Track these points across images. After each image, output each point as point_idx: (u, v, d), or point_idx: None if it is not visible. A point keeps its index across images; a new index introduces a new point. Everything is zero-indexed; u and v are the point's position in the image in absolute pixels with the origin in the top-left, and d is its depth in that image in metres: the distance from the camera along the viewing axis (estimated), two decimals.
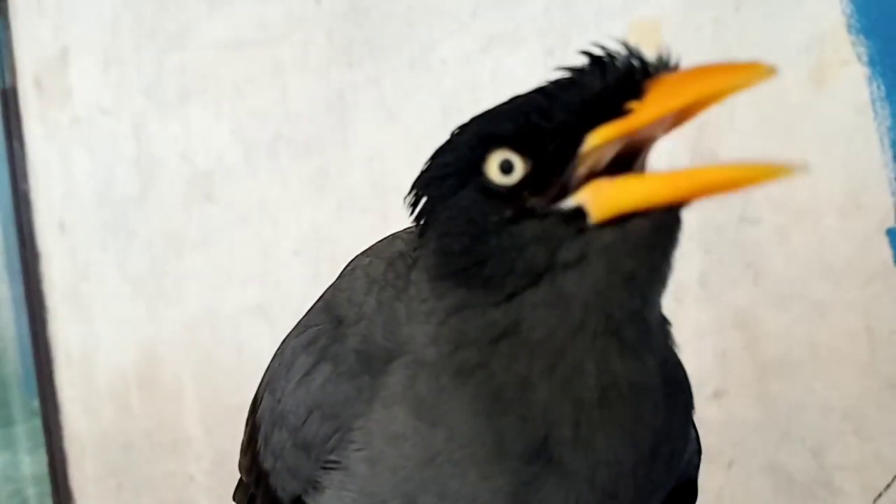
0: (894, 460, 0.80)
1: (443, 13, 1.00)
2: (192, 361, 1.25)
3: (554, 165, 0.36)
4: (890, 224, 0.80)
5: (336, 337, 0.43)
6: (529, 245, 0.35)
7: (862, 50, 0.80)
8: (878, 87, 0.80)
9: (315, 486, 0.41)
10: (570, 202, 0.35)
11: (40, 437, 1.59)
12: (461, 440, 0.37)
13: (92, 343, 1.40)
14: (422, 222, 0.40)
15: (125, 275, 1.33)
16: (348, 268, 0.48)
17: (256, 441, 0.48)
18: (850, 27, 0.80)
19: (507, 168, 0.36)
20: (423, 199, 0.40)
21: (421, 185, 0.40)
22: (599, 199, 0.34)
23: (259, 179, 1.17)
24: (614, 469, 0.38)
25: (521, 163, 0.36)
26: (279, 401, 0.45)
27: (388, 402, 0.39)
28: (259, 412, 0.48)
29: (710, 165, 0.33)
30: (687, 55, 0.87)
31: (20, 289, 1.54)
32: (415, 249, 0.41)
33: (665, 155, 0.90)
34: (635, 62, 0.35)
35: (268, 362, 0.50)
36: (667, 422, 0.41)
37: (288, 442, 0.43)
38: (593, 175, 0.35)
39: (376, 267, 0.44)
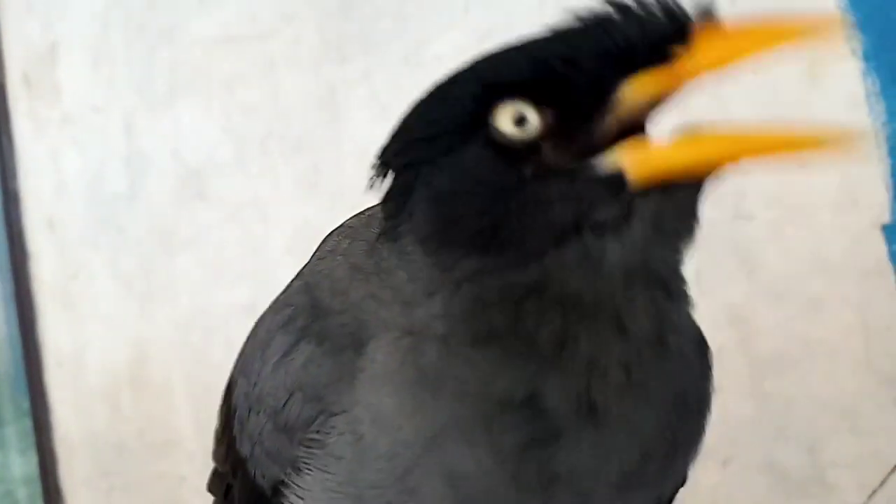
0: (889, 457, 0.80)
1: (436, 7, 1.00)
2: (184, 360, 1.24)
3: (578, 118, 0.32)
4: (885, 220, 0.80)
5: (316, 316, 0.40)
6: (556, 205, 0.32)
7: (856, 44, 0.80)
8: (873, 81, 0.80)
9: (296, 467, 0.39)
10: (604, 163, 0.32)
11: (31, 438, 1.57)
12: (478, 409, 0.35)
13: (82, 343, 1.39)
14: (400, 190, 0.36)
15: (115, 273, 1.32)
16: (327, 247, 0.45)
17: (231, 428, 0.46)
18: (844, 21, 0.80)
19: (520, 121, 0.33)
20: (402, 164, 0.36)
21: (399, 148, 0.36)
22: (642, 163, 0.32)
23: (250, 176, 1.16)
24: (653, 423, 0.36)
25: (537, 115, 0.33)
26: (255, 384, 0.42)
27: (376, 383, 0.37)
28: (233, 398, 0.46)
29: (762, 128, 0.31)
30: None
31: (9, 288, 1.53)
32: (387, 221, 0.37)
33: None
34: (675, 5, 0.32)
35: None
36: (704, 376, 0.40)
37: (267, 425, 0.41)
38: (623, 128, 0.32)
39: (357, 250, 0.41)
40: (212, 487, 0.56)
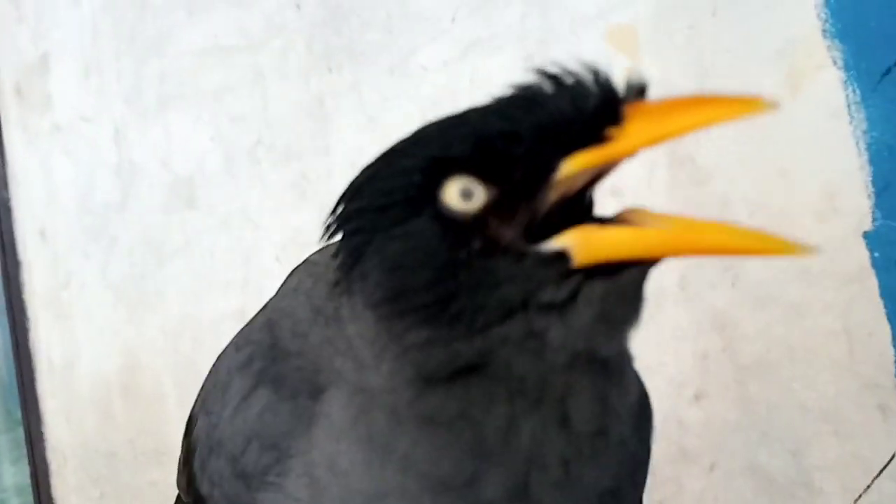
0: (873, 461, 0.80)
1: (422, 20, 1.00)
2: (174, 369, 1.24)
3: (521, 192, 0.33)
4: (866, 227, 0.80)
5: (274, 357, 0.41)
6: (504, 283, 0.33)
7: (837, 54, 0.80)
8: (854, 91, 0.81)
9: None
10: (552, 245, 0.33)
11: (23, 448, 1.57)
12: (421, 483, 0.36)
13: (74, 351, 1.39)
14: (352, 251, 0.36)
15: (107, 282, 1.32)
16: (291, 284, 0.45)
17: (192, 464, 0.46)
18: (824, 31, 0.81)
19: (467, 195, 0.34)
20: (355, 230, 0.36)
21: (352, 215, 0.36)
22: (588, 247, 0.33)
23: (240, 185, 1.16)
24: (586, 500, 0.38)
25: (483, 189, 0.34)
26: (215, 426, 0.43)
27: (331, 434, 0.37)
28: (194, 434, 0.46)
29: (708, 224, 0.32)
30: (662, 60, 0.87)
31: (1, 297, 1.53)
32: (338, 283, 0.38)
33: (642, 160, 0.89)
34: (609, 85, 0.33)
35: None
36: (643, 444, 0.42)
37: (226, 470, 0.42)
38: (565, 200, 0.34)
39: (319, 292, 0.41)
40: None
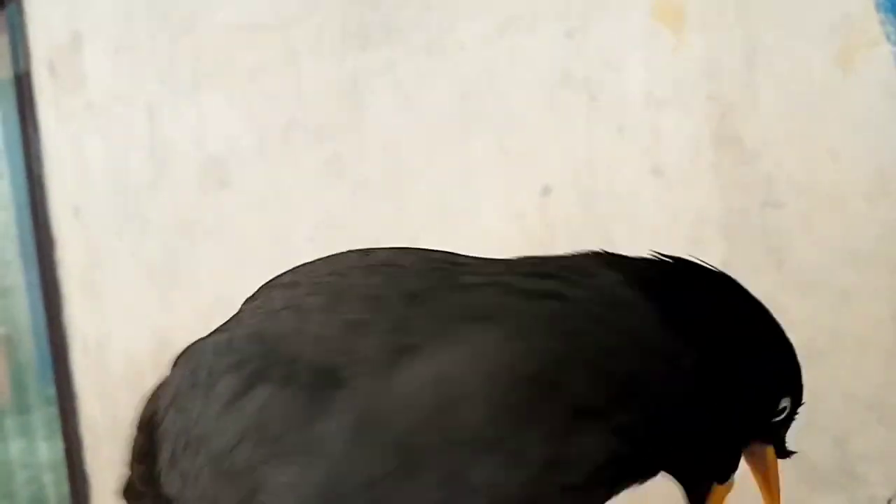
0: None
1: None
2: None
3: None
4: None
5: (276, 362, 0.38)
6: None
7: (891, 30, 0.78)
8: None
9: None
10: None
11: (56, 425, 1.61)
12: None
13: (106, 330, 1.41)
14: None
15: (139, 262, 1.34)
16: (273, 305, 0.44)
17: (155, 457, 0.45)
18: (878, 5, 0.79)
19: (785, 407, 0.45)
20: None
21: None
22: None
23: (273, 165, 1.17)
24: None
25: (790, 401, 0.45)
26: (195, 422, 0.41)
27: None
28: (161, 429, 0.44)
29: None
30: (710, 37, 0.85)
31: (35, 275, 1.56)
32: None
33: (687, 138, 0.87)
34: None
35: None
36: None
37: (205, 469, 0.39)
38: None
39: (351, 307, 0.39)
40: (127, 496, 0.54)
